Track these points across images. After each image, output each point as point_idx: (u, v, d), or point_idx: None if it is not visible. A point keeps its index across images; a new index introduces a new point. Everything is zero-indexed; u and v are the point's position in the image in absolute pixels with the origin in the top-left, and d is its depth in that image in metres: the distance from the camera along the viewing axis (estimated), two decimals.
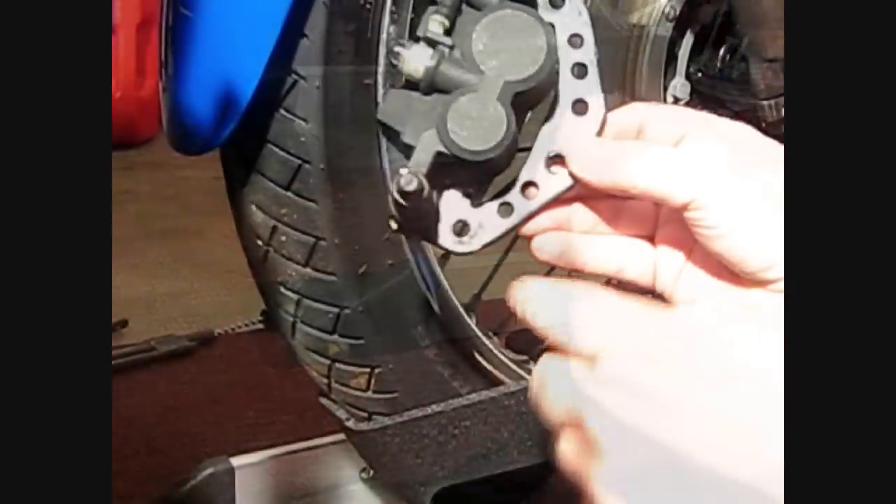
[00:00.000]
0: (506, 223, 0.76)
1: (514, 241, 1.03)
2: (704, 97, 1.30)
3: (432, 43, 0.74)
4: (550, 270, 1.27)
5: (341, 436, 1.36)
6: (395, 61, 0.75)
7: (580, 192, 0.77)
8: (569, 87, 0.77)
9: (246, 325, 2.23)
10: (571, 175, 0.75)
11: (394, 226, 0.75)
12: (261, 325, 2.23)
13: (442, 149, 0.72)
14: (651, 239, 0.79)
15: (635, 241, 0.78)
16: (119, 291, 2.43)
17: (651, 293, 0.79)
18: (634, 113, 0.77)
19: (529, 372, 1.29)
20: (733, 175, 0.69)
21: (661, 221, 0.79)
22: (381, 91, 1.05)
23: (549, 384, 0.65)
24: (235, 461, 1.40)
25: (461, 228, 0.76)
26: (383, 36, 1.04)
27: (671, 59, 1.27)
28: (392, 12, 1.04)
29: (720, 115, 1.22)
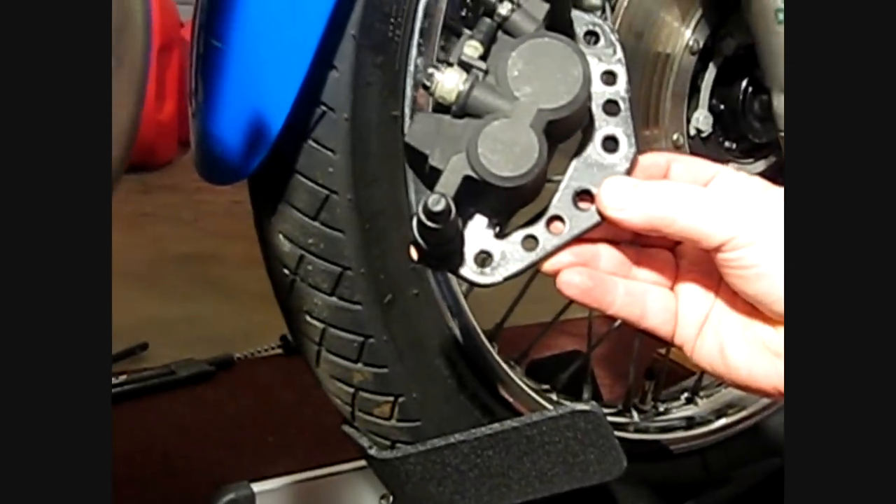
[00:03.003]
0: (529, 256, 0.76)
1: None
2: (727, 129, 1.30)
3: (466, 66, 0.74)
4: (568, 305, 1.29)
5: (361, 462, 1.37)
6: (427, 83, 0.74)
7: (606, 233, 0.77)
8: (600, 124, 0.77)
9: (265, 350, 2.24)
10: (600, 213, 0.75)
11: (414, 255, 0.75)
12: (280, 351, 2.24)
13: (471, 173, 0.71)
14: (670, 288, 0.79)
15: (658, 289, 0.78)
16: (138, 314, 2.43)
17: (670, 344, 0.79)
18: (659, 156, 0.78)
19: (551, 402, 1.29)
20: (771, 213, 0.69)
21: (683, 271, 0.79)
22: (407, 123, 1.06)
23: None
24: (256, 487, 1.40)
25: (483, 259, 0.75)
26: (410, 68, 1.05)
27: (694, 90, 1.27)
28: (419, 45, 1.05)
29: (742, 146, 1.25)
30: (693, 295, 0.78)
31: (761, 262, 0.69)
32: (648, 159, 0.78)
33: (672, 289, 0.79)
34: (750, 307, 0.74)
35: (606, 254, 0.77)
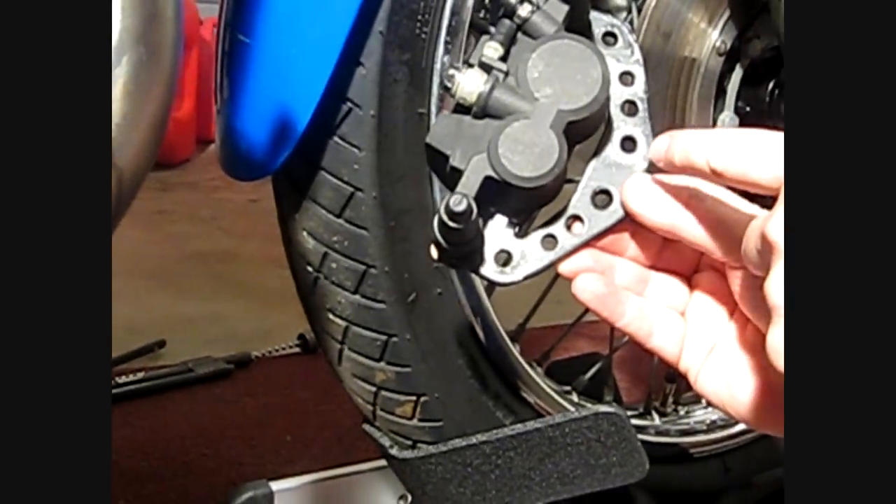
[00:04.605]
0: (549, 256, 0.76)
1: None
2: None
3: (487, 68, 0.75)
4: (583, 314, 1.29)
5: (379, 462, 1.36)
6: (448, 84, 0.75)
7: (625, 228, 0.77)
8: (618, 124, 0.78)
9: (283, 349, 2.24)
10: (623, 207, 0.75)
11: (434, 254, 0.75)
12: (297, 349, 2.24)
13: (492, 173, 0.72)
14: (681, 314, 0.79)
15: (670, 312, 0.78)
16: (155, 312, 2.44)
17: (674, 368, 0.79)
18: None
19: (571, 403, 1.29)
20: None
21: (695, 299, 0.79)
22: (433, 121, 1.06)
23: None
24: (275, 485, 1.40)
25: (504, 258, 0.76)
26: (437, 66, 1.05)
27: (720, 92, 1.26)
28: (447, 42, 1.05)
29: None
30: (702, 323, 0.77)
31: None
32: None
33: (683, 315, 0.79)
34: (758, 342, 0.73)
35: (624, 268, 0.78)
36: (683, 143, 0.70)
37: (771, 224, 0.61)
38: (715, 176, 0.67)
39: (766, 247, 0.62)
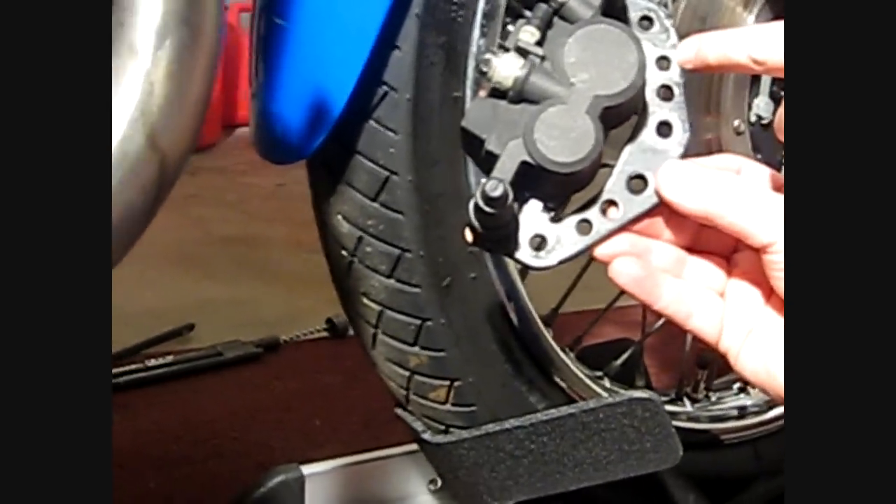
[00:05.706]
0: (584, 240, 0.76)
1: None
2: None
3: (523, 52, 0.75)
4: (621, 293, 1.27)
5: (410, 446, 1.36)
6: (484, 68, 0.75)
7: (661, 212, 0.77)
8: (654, 109, 0.77)
9: (311, 333, 2.24)
10: (658, 194, 0.75)
11: (469, 238, 0.75)
12: (325, 334, 2.24)
13: (528, 158, 0.72)
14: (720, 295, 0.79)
15: (708, 293, 0.78)
16: (184, 295, 2.45)
17: (714, 350, 0.79)
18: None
19: (604, 388, 1.28)
20: None
21: (734, 279, 0.79)
22: (469, 104, 1.05)
23: None
24: (306, 469, 1.40)
25: (539, 243, 0.76)
26: (472, 49, 1.05)
27: (755, 77, 1.26)
28: (482, 25, 1.04)
29: None
30: (742, 304, 0.78)
31: None
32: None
33: (722, 295, 0.79)
34: None
35: (661, 250, 0.78)
36: (718, 41, 0.74)
37: None
38: (756, 66, 0.71)
39: None
